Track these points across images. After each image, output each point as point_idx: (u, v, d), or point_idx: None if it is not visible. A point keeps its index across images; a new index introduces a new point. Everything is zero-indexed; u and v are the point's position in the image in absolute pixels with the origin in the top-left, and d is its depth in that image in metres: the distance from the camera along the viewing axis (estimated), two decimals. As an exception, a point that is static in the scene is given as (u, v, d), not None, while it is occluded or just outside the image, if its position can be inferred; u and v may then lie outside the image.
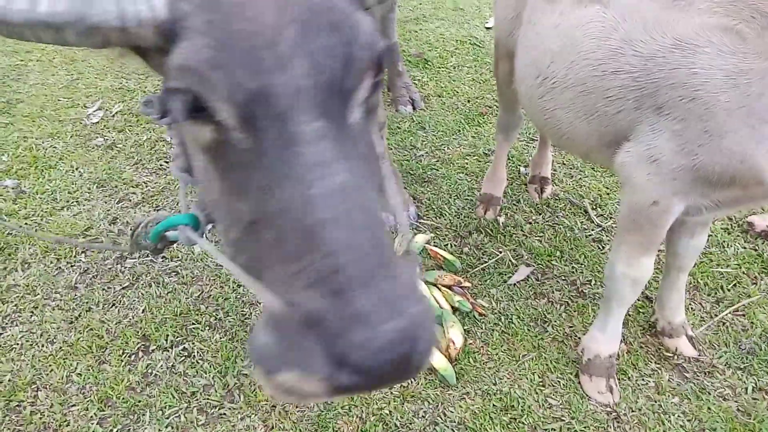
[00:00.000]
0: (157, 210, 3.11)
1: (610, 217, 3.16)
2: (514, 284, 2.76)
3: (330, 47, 0.90)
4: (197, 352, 2.41)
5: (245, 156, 0.90)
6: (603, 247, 2.98)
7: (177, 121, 0.91)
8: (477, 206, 3.20)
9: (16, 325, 2.49)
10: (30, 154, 3.47)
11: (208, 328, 2.51)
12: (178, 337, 2.46)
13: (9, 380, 2.27)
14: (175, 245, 1.44)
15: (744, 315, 2.63)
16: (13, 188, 3.22)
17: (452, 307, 2.57)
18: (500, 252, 2.94)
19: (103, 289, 2.67)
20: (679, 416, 2.23)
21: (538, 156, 3.30)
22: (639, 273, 2.09)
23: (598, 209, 3.23)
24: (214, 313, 2.57)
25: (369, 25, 0.96)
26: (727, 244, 2.99)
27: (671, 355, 2.44)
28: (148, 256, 2.82)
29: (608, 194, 3.33)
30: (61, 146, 3.58)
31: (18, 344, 2.41)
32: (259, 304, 2.63)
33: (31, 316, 2.53)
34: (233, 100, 0.87)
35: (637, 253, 2.06)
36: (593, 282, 2.78)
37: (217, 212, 1.05)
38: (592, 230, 3.09)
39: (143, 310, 2.57)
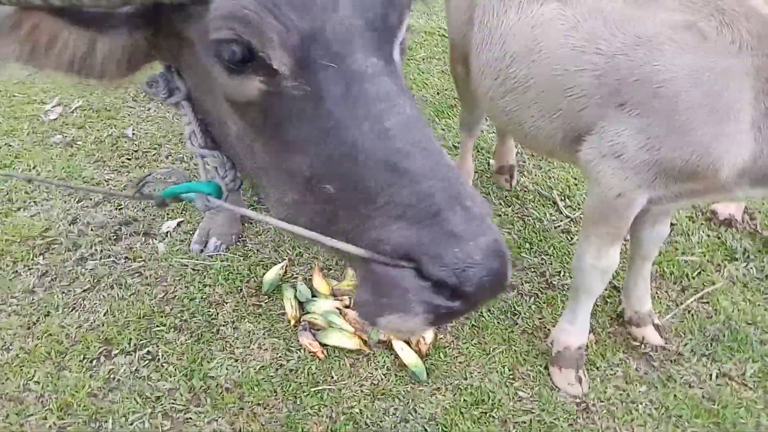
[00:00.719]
0: (119, 209, 3.01)
1: (579, 208, 3.18)
2: (485, 277, 2.76)
3: None
4: (162, 355, 2.34)
5: (300, 104, 0.89)
6: (572, 238, 3.00)
7: (233, 69, 0.89)
8: (447, 199, 3.18)
9: (-30, 333, 2.39)
10: (-17, 153, 3.33)
11: (173, 330, 2.44)
12: (141, 340, 2.39)
13: (-38, 391, 2.18)
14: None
15: (708, 302, 2.68)
16: (-35, 189, 3.09)
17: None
18: (470, 245, 2.93)
19: (63, 293, 2.57)
20: (646, 405, 2.26)
21: (501, 146, 3.28)
22: (606, 263, 2.12)
23: (567, 200, 3.25)
24: (179, 315, 2.50)
25: None
26: (692, 233, 3.03)
27: (638, 344, 2.47)
28: (109, 248, 2.73)
29: (576, 185, 3.34)
30: (17, 144, 3.44)
31: (-28, 352, 2.31)
32: (227, 303, 2.57)
33: (-14, 322, 2.43)
34: (288, 43, 0.86)
35: (604, 244, 2.09)
36: (562, 273, 2.80)
37: (266, 178, 1.02)
38: (561, 221, 3.10)
39: (105, 313, 2.49)
